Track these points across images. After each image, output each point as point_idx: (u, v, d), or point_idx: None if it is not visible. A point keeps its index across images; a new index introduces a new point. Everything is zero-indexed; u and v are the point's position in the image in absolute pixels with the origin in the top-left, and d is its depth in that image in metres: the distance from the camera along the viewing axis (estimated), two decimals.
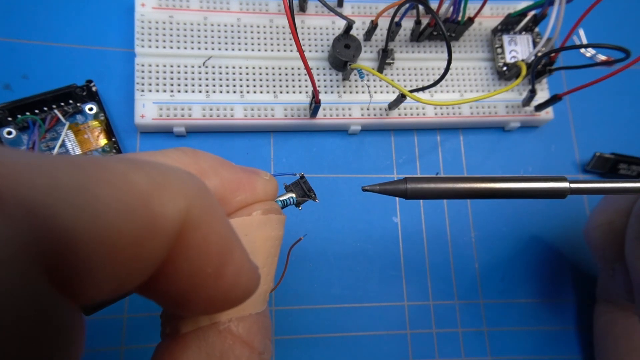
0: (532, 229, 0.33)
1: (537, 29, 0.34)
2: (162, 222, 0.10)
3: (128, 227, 0.09)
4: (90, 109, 0.27)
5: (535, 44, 0.33)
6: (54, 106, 0.27)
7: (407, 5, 0.28)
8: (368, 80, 0.32)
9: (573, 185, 0.16)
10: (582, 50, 0.37)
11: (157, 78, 0.29)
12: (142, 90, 0.29)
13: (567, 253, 0.32)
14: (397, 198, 0.31)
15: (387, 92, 0.32)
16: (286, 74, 0.31)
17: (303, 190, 0.18)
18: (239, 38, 0.31)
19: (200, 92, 0.29)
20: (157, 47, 0.29)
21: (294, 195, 0.18)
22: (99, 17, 0.31)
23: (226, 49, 0.30)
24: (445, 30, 0.25)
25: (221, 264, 0.12)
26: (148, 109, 0.29)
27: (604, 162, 0.33)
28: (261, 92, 0.30)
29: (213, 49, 0.30)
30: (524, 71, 0.30)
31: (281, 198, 0.18)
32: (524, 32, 0.33)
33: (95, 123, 0.27)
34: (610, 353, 0.27)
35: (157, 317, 0.15)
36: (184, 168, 0.12)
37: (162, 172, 0.11)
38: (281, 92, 0.30)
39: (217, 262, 0.11)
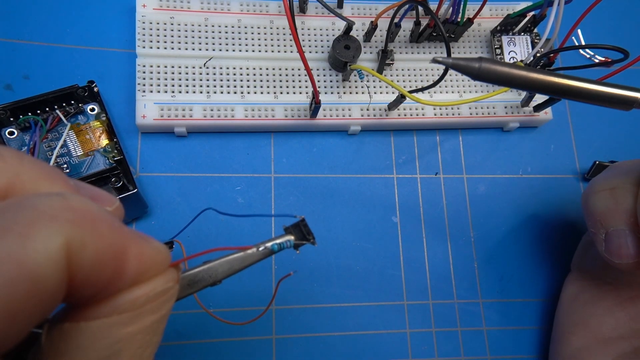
0: (531, 229, 0.33)
1: (536, 30, 0.34)
2: (42, 273, 0.10)
3: (13, 298, 0.09)
4: (92, 110, 0.28)
5: (534, 45, 0.33)
6: (55, 107, 0.27)
7: (406, 7, 0.28)
8: (368, 81, 0.32)
9: None
10: (581, 50, 0.37)
11: (158, 79, 0.29)
12: (143, 91, 0.29)
13: (567, 253, 0.32)
14: (396, 198, 0.31)
15: (387, 93, 0.32)
16: (286, 75, 0.31)
17: (302, 233, 0.17)
18: (239, 39, 0.31)
19: (201, 92, 0.30)
20: (158, 47, 0.30)
21: (291, 238, 0.17)
22: (100, 18, 0.31)
23: (227, 50, 0.30)
24: (444, 31, 0.25)
25: (121, 263, 0.12)
26: (149, 109, 0.29)
27: (603, 169, 0.33)
28: (262, 93, 0.30)
29: (214, 49, 0.30)
30: None
31: (278, 241, 0.17)
32: (523, 33, 0.33)
33: (96, 123, 0.27)
34: (573, 317, 0.28)
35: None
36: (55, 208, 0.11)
37: (26, 219, 0.10)
38: (281, 93, 0.30)
39: (116, 265, 0.12)
